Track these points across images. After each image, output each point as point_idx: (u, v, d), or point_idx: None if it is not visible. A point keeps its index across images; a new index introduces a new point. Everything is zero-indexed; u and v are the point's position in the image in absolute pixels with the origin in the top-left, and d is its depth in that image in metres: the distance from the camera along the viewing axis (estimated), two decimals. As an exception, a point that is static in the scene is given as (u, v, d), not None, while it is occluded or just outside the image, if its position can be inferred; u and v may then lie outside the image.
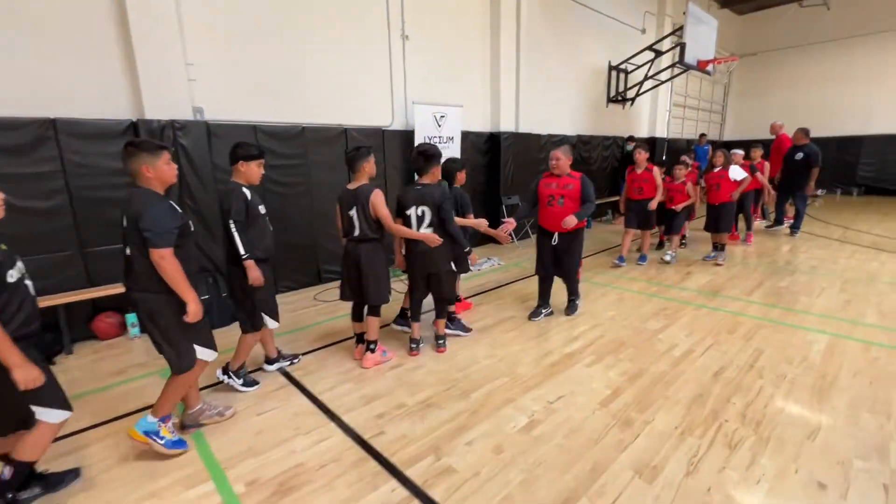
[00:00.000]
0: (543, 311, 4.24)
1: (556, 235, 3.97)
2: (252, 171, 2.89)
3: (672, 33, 8.96)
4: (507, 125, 7.36)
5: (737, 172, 5.88)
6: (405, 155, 6.00)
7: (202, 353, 2.41)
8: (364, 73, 5.61)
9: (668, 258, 6.00)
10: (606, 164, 10.05)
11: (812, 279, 5.17)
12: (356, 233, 3.17)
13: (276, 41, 4.82)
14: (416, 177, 3.43)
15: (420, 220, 3.26)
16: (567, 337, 3.80)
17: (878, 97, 13.04)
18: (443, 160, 3.49)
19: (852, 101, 13.47)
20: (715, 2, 13.09)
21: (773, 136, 8.37)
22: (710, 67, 8.82)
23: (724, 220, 5.92)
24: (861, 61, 13.22)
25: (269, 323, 3.08)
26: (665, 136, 11.85)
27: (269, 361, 3.34)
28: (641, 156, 5.74)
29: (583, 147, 9.24)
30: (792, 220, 7.62)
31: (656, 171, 5.68)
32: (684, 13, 8.19)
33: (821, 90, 13.95)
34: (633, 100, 9.86)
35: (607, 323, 4.06)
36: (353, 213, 3.14)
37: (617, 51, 9.65)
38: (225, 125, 4.52)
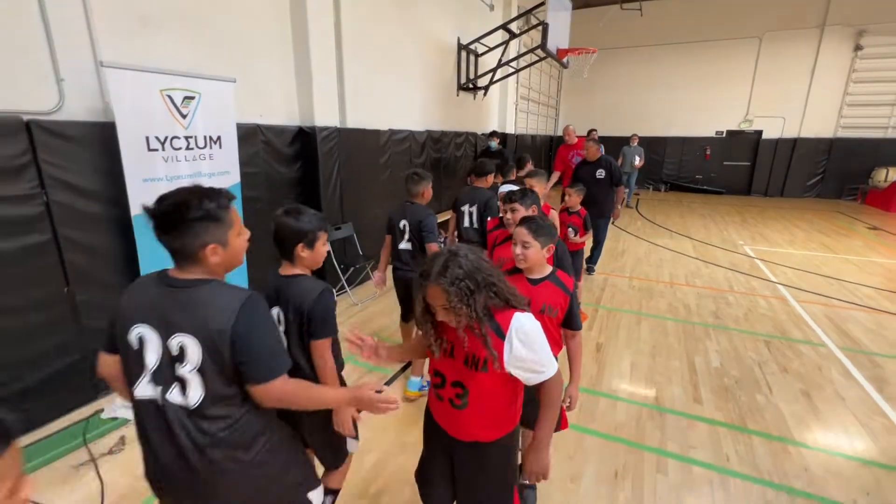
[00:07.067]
0: None
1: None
2: None
3: (528, 12, 7.49)
4: (326, 117, 4.67)
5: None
6: (104, 174, 2.93)
7: None
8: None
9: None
10: (459, 166, 8.29)
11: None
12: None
13: None
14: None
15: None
16: None
17: (675, 102, 14.50)
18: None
19: (656, 105, 14.79)
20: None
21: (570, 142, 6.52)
22: (566, 59, 7.69)
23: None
24: (663, 68, 14.48)
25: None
26: (514, 131, 10.77)
27: None
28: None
29: (433, 146, 7.22)
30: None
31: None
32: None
33: (632, 92, 15.00)
34: (486, 88, 8.23)
35: None
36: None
37: (465, 27, 7.81)
38: None
